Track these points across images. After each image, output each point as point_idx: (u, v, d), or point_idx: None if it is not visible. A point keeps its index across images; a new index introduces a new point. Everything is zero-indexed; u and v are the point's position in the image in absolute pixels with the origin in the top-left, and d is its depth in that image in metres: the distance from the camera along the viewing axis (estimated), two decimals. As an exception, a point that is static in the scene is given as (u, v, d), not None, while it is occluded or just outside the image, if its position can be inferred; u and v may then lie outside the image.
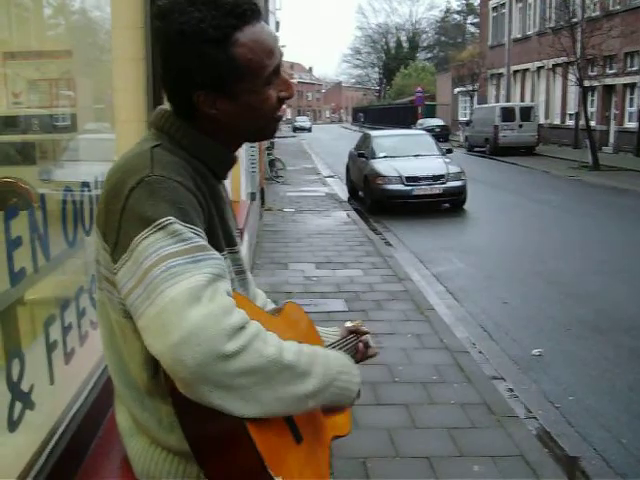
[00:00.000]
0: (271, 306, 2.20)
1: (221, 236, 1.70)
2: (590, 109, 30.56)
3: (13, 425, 1.59)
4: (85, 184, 2.36)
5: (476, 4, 69.09)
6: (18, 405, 1.62)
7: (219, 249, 1.64)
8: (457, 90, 54.74)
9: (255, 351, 1.37)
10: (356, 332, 2.12)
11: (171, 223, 1.42)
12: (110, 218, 1.50)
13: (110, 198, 1.51)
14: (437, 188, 15.98)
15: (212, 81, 1.57)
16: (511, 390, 5.77)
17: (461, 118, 52.35)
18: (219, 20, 1.53)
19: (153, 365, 1.43)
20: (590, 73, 29.38)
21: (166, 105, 1.72)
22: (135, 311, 1.40)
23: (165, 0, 1.58)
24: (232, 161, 1.78)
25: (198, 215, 1.51)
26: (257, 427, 1.43)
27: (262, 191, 15.47)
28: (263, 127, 1.74)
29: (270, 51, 1.62)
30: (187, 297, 1.33)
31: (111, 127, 3.04)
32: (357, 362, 2.02)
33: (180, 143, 1.64)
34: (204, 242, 1.46)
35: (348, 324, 2.15)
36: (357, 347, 2.05)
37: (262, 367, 1.38)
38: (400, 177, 16.01)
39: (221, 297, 1.38)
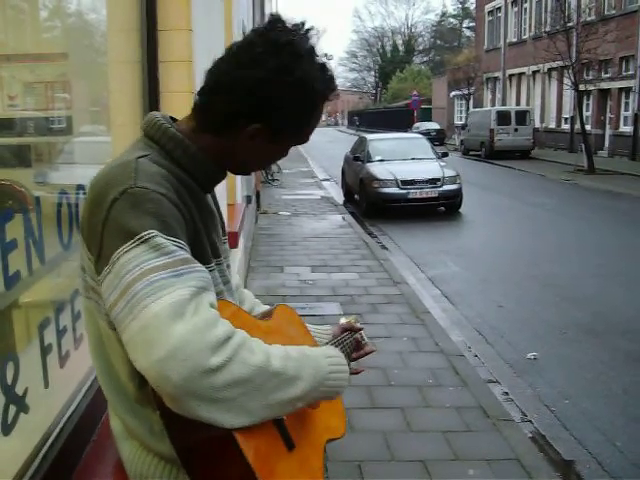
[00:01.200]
0: (259, 307, 2.20)
1: (208, 248, 1.70)
2: (585, 113, 30.61)
3: (7, 428, 1.59)
4: (80, 187, 2.36)
5: (472, 8, 69.16)
6: (12, 408, 1.61)
7: (206, 261, 1.64)
8: (453, 94, 54.76)
9: (241, 362, 1.37)
10: (350, 330, 2.12)
11: (154, 236, 1.41)
12: (93, 228, 1.49)
13: (93, 208, 1.50)
14: (433, 191, 15.97)
15: (282, 123, 1.65)
16: (506, 393, 5.78)
17: (457, 122, 52.41)
18: (327, 84, 1.68)
19: (140, 376, 1.43)
20: (585, 77, 29.42)
21: (157, 112, 1.73)
22: (119, 325, 1.40)
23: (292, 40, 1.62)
24: (221, 178, 1.79)
25: (181, 228, 1.50)
26: (246, 437, 1.43)
27: (258, 194, 15.46)
28: (255, 168, 1.87)
29: None
30: (170, 312, 1.32)
31: (107, 130, 3.03)
32: (352, 360, 2.02)
33: (171, 154, 1.64)
34: (187, 255, 1.45)
35: (343, 320, 2.15)
36: (351, 345, 2.05)
37: (249, 377, 1.38)
38: (396, 180, 16.01)
39: (205, 310, 1.37)
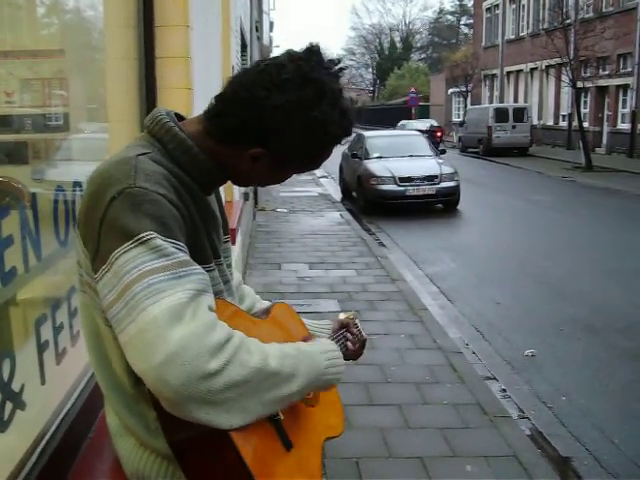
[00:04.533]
0: (260, 303, 2.21)
1: (208, 248, 1.69)
2: (583, 110, 30.59)
3: (3, 425, 1.58)
4: (77, 184, 2.35)
5: (470, 5, 69.11)
6: (9, 405, 1.61)
7: (206, 261, 1.64)
8: (451, 91, 54.77)
9: (239, 364, 1.36)
10: (348, 327, 2.11)
11: (152, 238, 1.40)
12: (90, 225, 1.48)
13: (90, 205, 1.49)
14: (430, 189, 15.99)
15: (287, 155, 1.65)
16: (504, 390, 5.79)
17: (455, 119, 52.40)
18: (343, 131, 1.66)
19: (135, 373, 1.43)
20: (583, 74, 29.41)
21: (163, 108, 1.72)
22: (116, 325, 1.39)
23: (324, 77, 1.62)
24: (221, 182, 1.78)
25: (180, 229, 1.49)
26: (244, 438, 1.43)
27: (255, 191, 15.46)
28: (254, 184, 1.90)
29: None
30: (169, 316, 1.32)
31: (104, 126, 3.03)
32: (347, 359, 2.01)
33: (171, 154, 1.63)
34: (186, 257, 1.44)
35: (342, 316, 2.15)
36: (347, 345, 2.04)
37: (247, 378, 1.38)
38: (393, 177, 16.02)
39: (203, 314, 1.36)
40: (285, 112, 1.56)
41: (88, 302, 1.60)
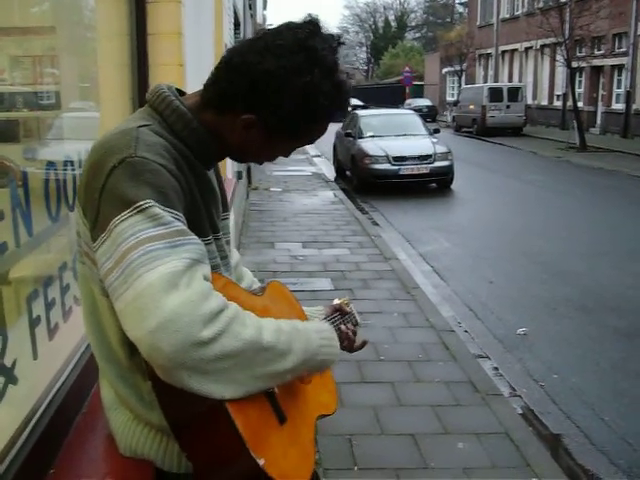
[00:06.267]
0: (257, 285, 2.21)
1: (206, 221, 1.70)
2: (578, 90, 30.59)
3: (-4, 399, 1.60)
4: (69, 162, 2.35)
5: (465, -17, 68.74)
6: (0, 380, 1.62)
7: (204, 234, 1.65)
8: (445, 70, 54.67)
9: (233, 335, 1.37)
10: (341, 311, 2.12)
11: (151, 206, 1.41)
12: (90, 195, 1.49)
13: (91, 174, 1.50)
14: (424, 168, 15.99)
15: (276, 123, 1.62)
16: (496, 369, 5.82)
17: (449, 98, 52.30)
18: (335, 103, 1.64)
19: (130, 344, 1.44)
20: (578, 54, 29.37)
21: (164, 84, 1.72)
22: (113, 293, 1.40)
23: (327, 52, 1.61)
24: (221, 156, 1.78)
25: (179, 199, 1.50)
26: (238, 409, 1.44)
27: (249, 170, 15.43)
28: (252, 159, 1.82)
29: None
30: (164, 283, 1.33)
31: (96, 105, 3.02)
32: (343, 349, 2.00)
33: (172, 127, 1.63)
34: (183, 226, 1.45)
35: (336, 301, 2.16)
36: (340, 328, 2.04)
37: (240, 350, 1.38)
38: (387, 157, 16.02)
39: (198, 282, 1.37)
40: (276, 77, 1.56)
41: (87, 273, 1.61)
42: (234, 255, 2.04)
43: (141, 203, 1.41)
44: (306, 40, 1.58)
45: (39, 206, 1.99)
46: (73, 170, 2.37)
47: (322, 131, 1.73)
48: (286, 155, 1.78)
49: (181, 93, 1.74)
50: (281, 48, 1.57)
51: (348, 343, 2.05)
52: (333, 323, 2.00)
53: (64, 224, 2.22)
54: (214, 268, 1.66)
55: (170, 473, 1.65)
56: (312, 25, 1.63)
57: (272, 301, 1.84)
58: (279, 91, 1.57)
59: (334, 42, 1.65)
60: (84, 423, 2.03)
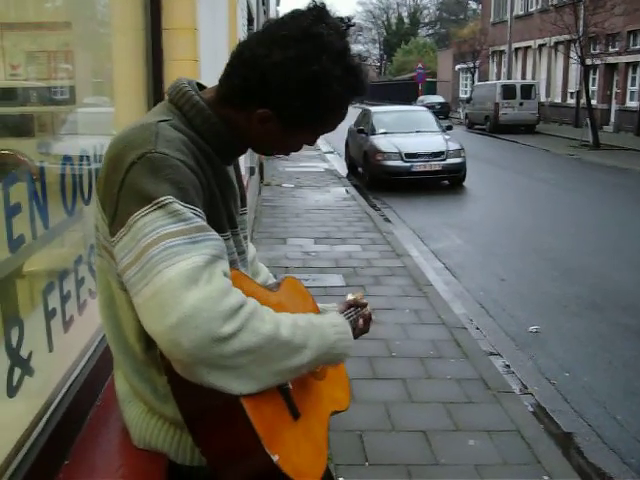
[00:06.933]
0: (272, 281, 2.21)
1: (224, 216, 1.70)
2: (591, 88, 30.38)
3: (12, 391, 1.61)
4: (84, 157, 2.36)
5: (478, -20, 68.47)
6: (17, 371, 1.63)
7: (222, 229, 1.65)
8: (458, 67, 54.47)
9: (252, 330, 1.37)
10: (355, 305, 2.12)
11: (171, 202, 1.41)
12: (109, 189, 1.50)
13: (111, 168, 1.51)
14: (436, 165, 15.95)
15: (291, 115, 1.61)
16: (507, 366, 5.81)
17: (462, 95, 52.14)
18: (350, 87, 1.62)
19: (146, 338, 1.44)
20: (592, 51, 29.20)
21: (184, 78, 1.72)
22: (132, 288, 1.40)
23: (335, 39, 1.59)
24: (240, 151, 1.78)
25: (198, 195, 1.50)
26: (253, 404, 1.44)
27: (261, 166, 15.44)
28: (272, 152, 1.81)
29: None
30: (184, 279, 1.33)
31: (110, 100, 3.03)
32: (356, 337, 2.01)
33: (191, 122, 1.63)
34: (203, 222, 1.45)
35: (350, 296, 2.15)
36: (356, 321, 2.04)
37: (259, 345, 1.39)
38: (399, 153, 15.98)
39: (218, 279, 1.37)
40: (284, 69, 1.54)
41: (104, 266, 1.62)
42: (250, 250, 2.05)
43: (162, 199, 1.41)
44: (310, 27, 1.56)
45: (55, 200, 2.00)
46: (89, 165, 2.38)
47: (342, 117, 1.71)
48: (311, 143, 1.76)
49: (201, 87, 1.74)
50: (286, 38, 1.55)
51: (361, 331, 2.05)
52: (349, 317, 2.00)
53: (79, 218, 2.24)
54: (231, 263, 1.66)
55: (183, 466, 1.67)
56: (316, 11, 1.60)
57: (287, 297, 1.84)
58: (289, 83, 1.56)
59: (342, 25, 1.63)
60: (98, 416, 2.05)
